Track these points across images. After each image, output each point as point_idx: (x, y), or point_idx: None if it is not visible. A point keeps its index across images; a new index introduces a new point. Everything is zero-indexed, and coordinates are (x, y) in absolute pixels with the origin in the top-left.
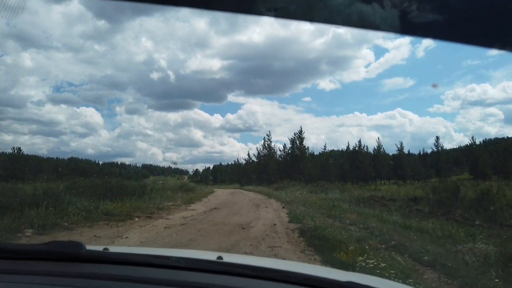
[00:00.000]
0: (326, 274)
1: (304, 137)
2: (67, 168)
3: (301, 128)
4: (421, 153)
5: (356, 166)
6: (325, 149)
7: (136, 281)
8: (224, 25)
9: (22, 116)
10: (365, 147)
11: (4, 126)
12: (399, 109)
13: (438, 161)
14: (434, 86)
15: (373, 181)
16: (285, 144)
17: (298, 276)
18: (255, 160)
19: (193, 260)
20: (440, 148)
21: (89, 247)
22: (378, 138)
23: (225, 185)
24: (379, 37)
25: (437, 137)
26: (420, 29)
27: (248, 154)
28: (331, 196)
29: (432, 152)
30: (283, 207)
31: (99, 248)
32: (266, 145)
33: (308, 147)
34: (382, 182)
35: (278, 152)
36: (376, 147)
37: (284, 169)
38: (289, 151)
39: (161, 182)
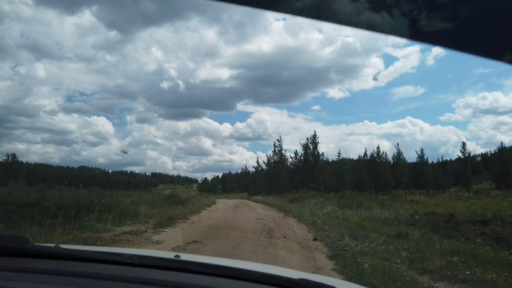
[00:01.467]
0: (282, 273)
1: (318, 142)
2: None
3: (315, 132)
4: (440, 160)
5: (375, 174)
6: (339, 155)
7: (86, 277)
8: (233, 35)
9: (35, 125)
10: (383, 154)
11: (18, 135)
12: (410, 118)
13: (465, 169)
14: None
15: (392, 191)
16: (296, 151)
17: (254, 274)
18: (264, 167)
19: (148, 257)
20: (467, 154)
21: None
22: (398, 144)
23: (233, 194)
24: (388, 46)
25: (463, 143)
26: (430, 37)
27: (257, 161)
28: (376, 214)
29: (451, 159)
30: (314, 239)
31: (50, 245)
32: (277, 151)
33: (323, 153)
34: (404, 191)
35: (289, 160)
36: (395, 154)
37: (296, 177)
38: (302, 157)
39: (156, 191)
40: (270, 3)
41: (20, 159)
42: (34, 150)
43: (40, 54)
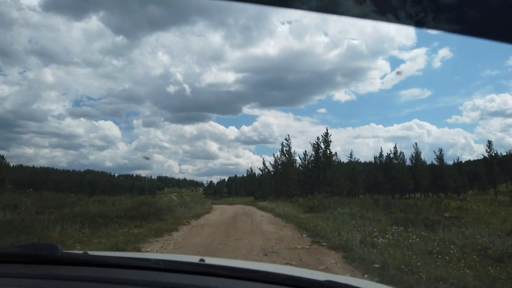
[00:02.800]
0: (308, 275)
1: (330, 140)
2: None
3: (327, 130)
4: (455, 162)
5: (391, 176)
6: (351, 156)
7: (114, 282)
8: (238, 39)
9: (43, 130)
10: (401, 154)
11: (26, 140)
12: (416, 120)
13: (492, 170)
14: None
15: (410, 194)
16: (305, 151)
17: (279, 276)
18: (271, 170)
19: (173, 262)
20: (493, 153)
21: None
22: (416, 144)
23: (239, 197)
24: (394, 48)
25: (489, 142)
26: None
27: (264, 163)
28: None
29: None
30: None
31: (78, 252)
32: (285, 151)
33: (335, 153)
34: (422, 195)
35: (298, 162)
36: (413, 155)
37: (307, 179)
38: (312, 158)
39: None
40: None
41: (28, 163)
42: (42, 154)
43: (48, 59)
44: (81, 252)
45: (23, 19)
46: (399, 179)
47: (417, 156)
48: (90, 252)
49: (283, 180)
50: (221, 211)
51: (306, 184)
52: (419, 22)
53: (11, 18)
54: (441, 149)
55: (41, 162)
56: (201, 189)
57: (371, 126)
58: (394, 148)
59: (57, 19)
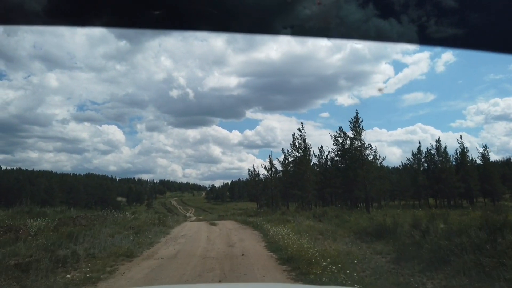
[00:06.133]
0: None
1: (363, 128)
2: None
3: (356, 113)
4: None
5: (436, 179)
6: (375, 154)
7: None
8: (241, 43)
9: (47, 134)
10: (444, 150)
11: (30, 144)
12: (420, 124)
13: None
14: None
15: (455, 200)
16: (321, 147)
17: None
18: (279, 169)
19: None
20: None
21: None
22: (461, 137)
23: (242, 202)
24: (397, 52)
25: None
26: (439, 43)
27: (270, 160)
28: None
29: None
30: None
31: None
32: (298, 144)
33: (369, 145)
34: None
35: (314, 161)
36: (458, 152)
37: (326, 181)
38: (334, 154)
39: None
40: (276, 13)
41: (32, 167)
42: (46, 159)
43: (52, 64)
44: None
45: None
46: (445, 182)
47: (463, 153)
48: None
49: (296, 182)
50: (184, 242)
51: (328, 188)
52: (421, 27)
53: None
54: (485, 145)
55: (45, 166)
56: (204, 193)
57: (374, 130)
58: (436, 142)
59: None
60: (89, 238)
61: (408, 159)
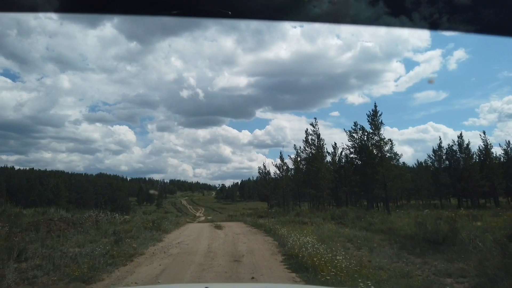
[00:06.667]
0: None
1: (382, 123)
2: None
3: (375, 106)
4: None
5: (458, 177)
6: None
7: None
8: (250, 43)
9: (60, 135)
10: (467, 145)
11: (44, 145)
12: (432, 123)
13: None
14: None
15: (478, 199)
16: (335, 144)
17: None
18: (291, 167)
19: None
20: None
21: None
22: (484, 133)
23: (252, 202)
24: (409, 50)
25: None
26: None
27: (281, 158)
28: None
29: None
30: None
31: None
32: (311, 140)
33: (390, 140)
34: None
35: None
36: (481, 147)
37: (342, 180)
38: (353, 149)
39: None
40: (287, 12)
41: (46, 167)
42: (60, 159)
43: (65, 66)
44: None
45: (40, 27)
46: (468, 180)
47: (487, 149)
48: None
49: (310, 180)
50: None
51: (343, 186)
52: (433, 24)
53: (29, 26)
54: (509, 142)
55: (58, 166)
56: (214, 193)
57: (386, 129)
58: (458, 138)
59: (72, 27)
60: (45, 250)
61: (429, 156)
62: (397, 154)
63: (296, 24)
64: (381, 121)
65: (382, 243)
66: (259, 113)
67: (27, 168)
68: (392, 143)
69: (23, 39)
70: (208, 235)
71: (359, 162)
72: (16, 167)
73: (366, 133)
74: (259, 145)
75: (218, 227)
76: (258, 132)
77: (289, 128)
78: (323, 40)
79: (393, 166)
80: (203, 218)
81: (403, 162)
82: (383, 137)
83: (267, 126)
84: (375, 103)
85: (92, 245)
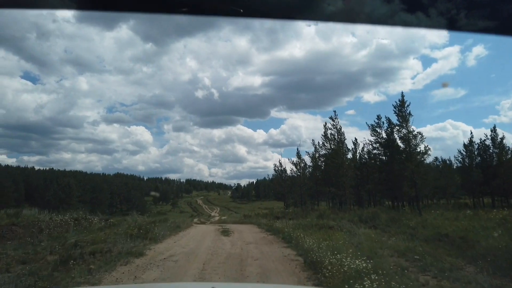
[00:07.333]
0: None
1: (410, 114)
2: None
3: (402, 96)
4: None
5: (493, 174)
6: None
7: None
8: (265, 42)
9: (79, 136)
10: (501, 139)
11: (64, 145)
12: (450, 121)
13: None
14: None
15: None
16: (356, 139)
17: None
18: (309, 164)
19: None
20: None
21: None
22: None
23: (268, 201)
24: (426, 47)
25: None
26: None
27: (298, 154)
28: None
29: None
30: None
31: None
32: (331, 135)
33: (420, 133)
34: None
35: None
36: None
37: (365, 177)
38: (377, 145)
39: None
40: (302, 11)
41: (66, 168)
42: (79, 159)
43: (83, 68)
44: None
45: (59, 30)
46: (505, 177)
47: None
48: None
49: (330, 178)
50: None
51: (366, 185)
52: (451, 20)
53: (48, 29)
54: None
55: (78, 167)
56: (230, 193)
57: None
58: (492, 131)
59: (90, 30)
60: None
61: (459, 151)
62: (429, 149)
63: (311, 22)
64: (409, 111)
65: (452, 260)
66: (274, 113)
67: (47, 168)
68: (422, 136)
69: (42, 42)
70: (210, 244)
71: (384, 158)
72: (37, 168)
73: (391, 126)
74: (274, 144)
75: (226, 233)
76: (273, 131)
77: (304, 127)
78: (337, 38)
79: (423, 162)
80: (217, 218)
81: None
82: (411, 129)
83: (282, 126)
84: (402, 93)
85: (21, 268)
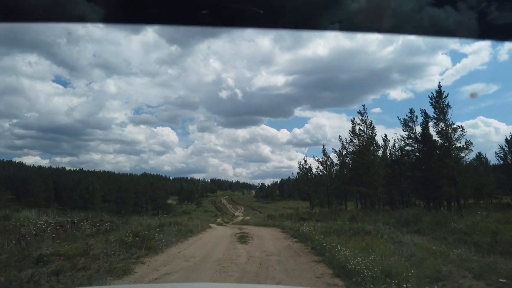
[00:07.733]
0: None
1: (448, 105)
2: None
3: (439, 87)
4: None
5: None
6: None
7: None
8: (288, 41)
9: (108, 137)
10: None
11: (93, 147)
12: (482, 117)
13: None
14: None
15: None
16: (386, 135)
17: None
18: (336, 162)
19: None
20: None
21: None
22: None
23: (293, 201)
24: (455, 42)
25: None
26: (502, 31)
27: (324, 151)
28: None
29: None
30: None
31: None
32: (360, 130)
33: (461, 127)
34: None
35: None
36: None
37: (396, 176)
38: (412, 139)
39: None
40: (325, 9)
41: (95, 168)
42: (108, 160)
43: (111, 71)
44: None
45: (88, 35)
46: None
47: None
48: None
49: (359, 177)
50: None
51: (398, 183)
52: (481, 13)
53: (77, 35)
54: None
55: (107, 167)
56: (254, 192)
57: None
58: None
59: (117, 34)
60: None
61: (501, 146)
62: (471, 143)
63: (337, 33)
64: (447, 103)
65: None
66: (298, 112)
67: (77, 169)
68: (463, 130)
69: (72, 47)
70: (220, 256)
71: (419, 155)
72: (68, 168)
73: (427, 119)
74: (298, 144)
75: (243, 239)
76: (297, 130)
77: (329, 126)
78: (362, 35)
79: (464, 159)
80: (241, 218)
81: None
82: (450, 122)
83: (306, 125)
84: (439, 83)
85: None
